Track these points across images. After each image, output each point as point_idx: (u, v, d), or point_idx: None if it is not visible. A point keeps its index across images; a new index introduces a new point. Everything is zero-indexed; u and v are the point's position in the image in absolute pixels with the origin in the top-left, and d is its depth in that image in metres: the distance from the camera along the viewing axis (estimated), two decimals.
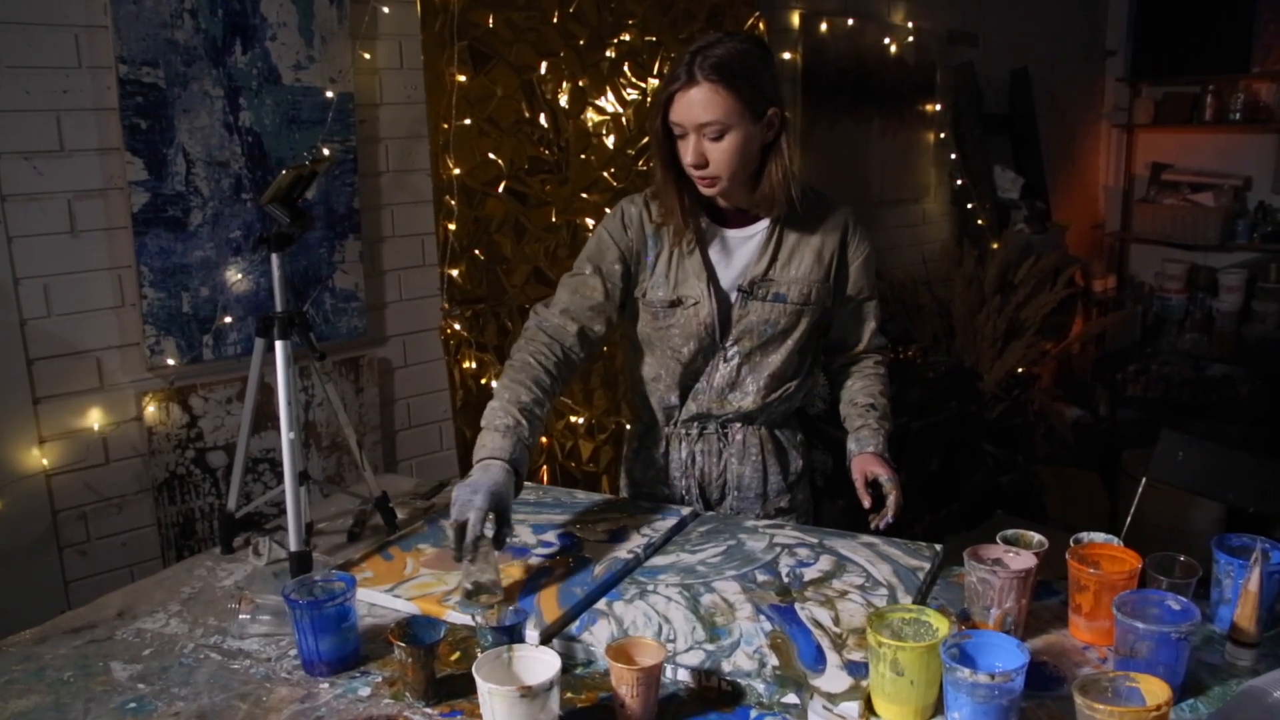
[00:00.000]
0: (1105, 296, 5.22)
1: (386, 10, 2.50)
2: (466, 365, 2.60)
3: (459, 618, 1.51)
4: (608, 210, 1.80)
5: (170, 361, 2.28)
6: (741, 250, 1.80)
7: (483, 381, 2.64)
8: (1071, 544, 1.50)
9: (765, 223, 1.79)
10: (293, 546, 1.66)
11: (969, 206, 4.50)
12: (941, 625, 1.26)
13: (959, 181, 4.49)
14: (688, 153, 1.65)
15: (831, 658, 1.37)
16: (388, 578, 1.65)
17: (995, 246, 4.38)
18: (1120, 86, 5.39)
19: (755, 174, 1.72)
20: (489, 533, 1.52)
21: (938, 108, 4.33)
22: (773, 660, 1.36)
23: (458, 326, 2.63)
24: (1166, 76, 5.17)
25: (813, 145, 3.79)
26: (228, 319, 2.31)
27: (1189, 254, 5.22)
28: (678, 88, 1.61)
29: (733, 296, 1.80)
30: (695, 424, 1.90)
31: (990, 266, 4.22)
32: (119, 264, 2.21)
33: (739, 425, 1.90)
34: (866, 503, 1.77)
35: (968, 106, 4.49)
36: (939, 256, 4.48)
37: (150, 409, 2.28)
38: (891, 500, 1.76)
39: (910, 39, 4.06)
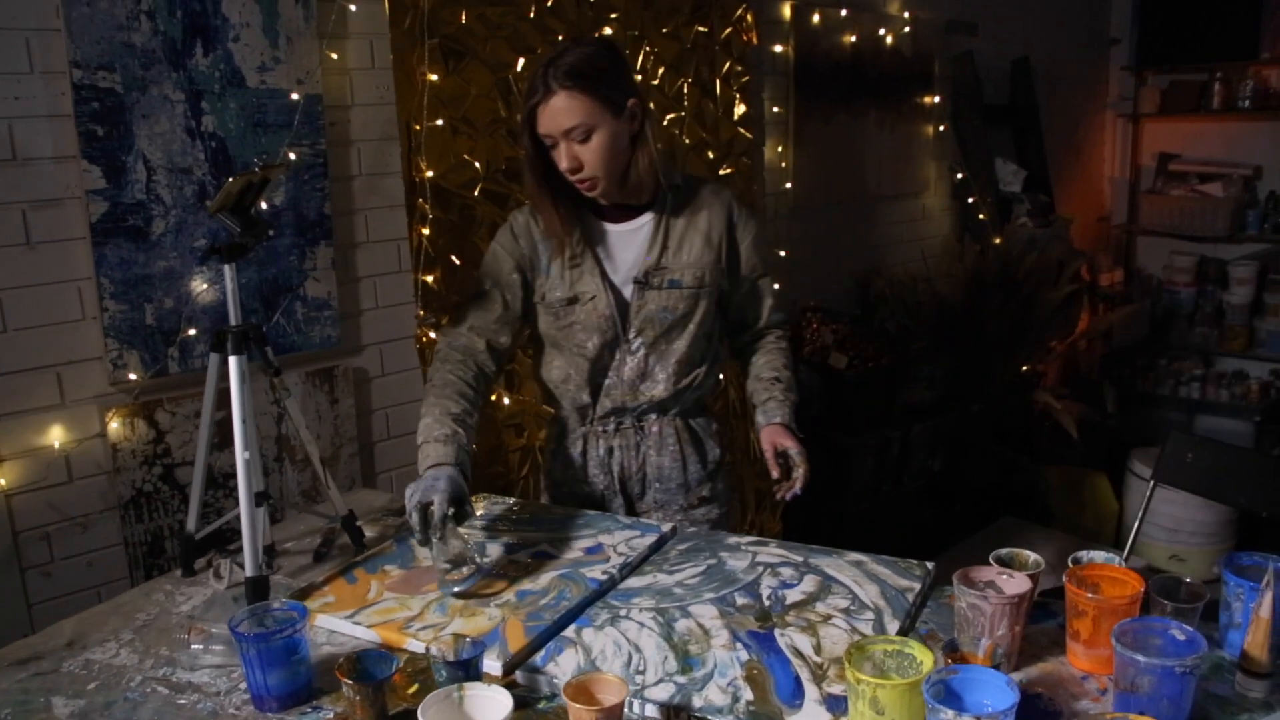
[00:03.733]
0: (1112, 291, 5.11)
1: (354, 8, 2.40)
2: None
3: (419, 646, 1.43)
4: None
5: (133, 376, 2.19)
6: (630, 243, 1.86)
7: None
8: (1070, 564, 1.41)
9: (650, 215, 1.86)
10: (248, 571, 1.59)
11: (970, 201, 4.40)
12: (926, 659, 1.17)
13: (959, 175, 4.39)
14: (562, 159, 1.72)
15: (810, 691, 1.28)
16: (349, 603, 1.58)
17: (997, 241, 4.28)
18: (1125, 75, 5.28)
19: (628, 166, 1.78)
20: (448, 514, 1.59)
21: (936, 100, 4.22)
22: (747, 694, 1.28)
23: (433, 334, 2.54)
24: (1173, 64, 5.06)
25: (806, 140, 3.69)
26: (192, 331, 2.23)
27: (1198, 246, 5.11)
28: (537, 101, 1.69)
29: (628, 289, 1.86)
30: (611, 419, 1.94)
31: (992, 262, 4.12)
32: (78, 276, 2.13)
33: (654, 417, 1.94)
34: (775, 473, 1.83)
35: (967, 98, 4.38)
36: (939, 252, 4.38)
37: (114, 425, 2.20)
38: (800, 473, 1.81)
39: (906, 29, 3.96)
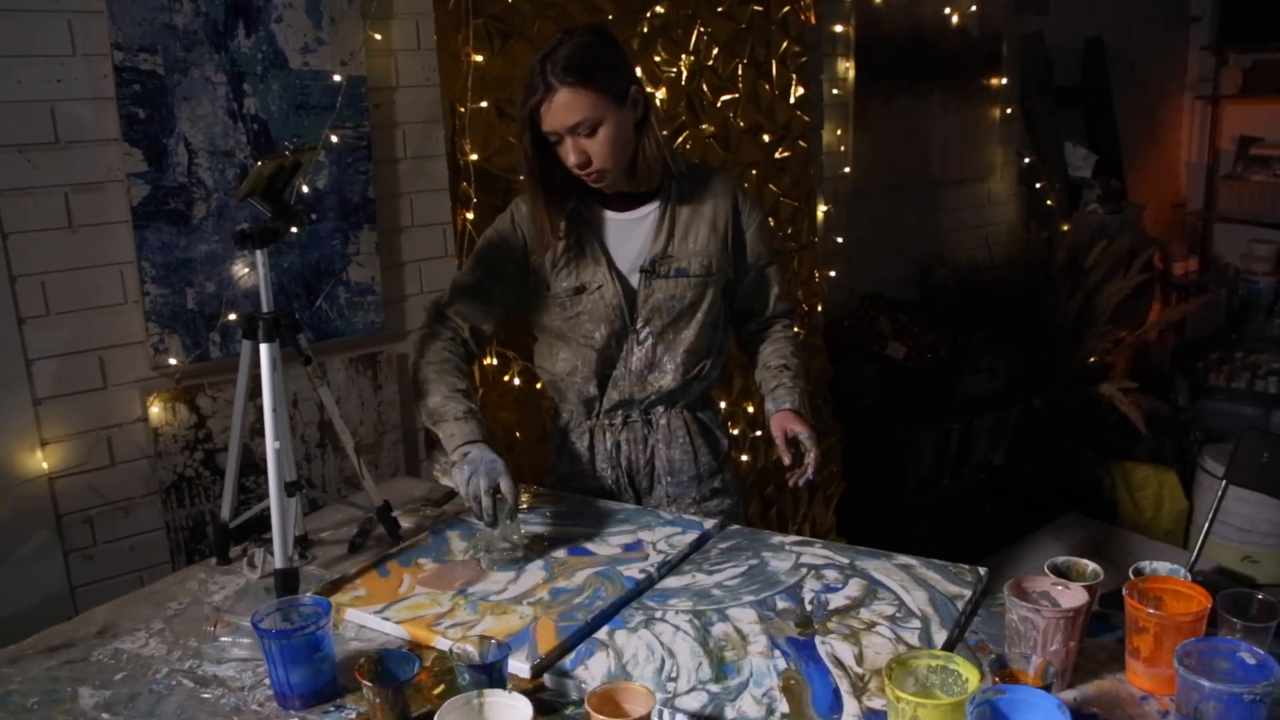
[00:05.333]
0: (1186, 280, 4.91)
1: None
2: (487, 362, 2.47)
3: (448, 644, 1.38)
4: None
5: (174, 360, 2.19)
6: (636, 232, 1.83)
7: (505, 378, 2.51)
8: (1131, 575, 1.32)
9: (655, 203, 1.83)
10: (277, 563, 1.56)
11: (1037, 186, 4.24)
12: (972, 677, 1.09)
13: (1026, 159, 4.24)
14: (569, 155, 1.69)
15: (849, 705, 1.21)
16: (381, 597, 1.55)
17: (1065, 228, 4.13)
18: (1205, 55, 5.06)
19: (634, 154, 1.76)
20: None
21: (1004, 81, 4.07)
22: (782, 707, 1.21)
23: None
24: (1256, 43, 4.83)
25: (867, 123, 3.58)
26: (233, 316, 2.22)
27: (1279, 234, 4.89)
28: (539, 99, 1.65)
29: (635, 278, 1.84)
30: (619, 412, 1.91)
31: (1059, 249, 3.97)
32: (120, 259, 2.13)
33: (661, 409, 1.92)
34: (787, 459, 1.82)
35: (1037, 79, 4.22)
36: (1005, 239, 4.23)
37: (155, 409, 2.19)
38: (811, 458, 1.79)
39: (973, 8, 3.81)
